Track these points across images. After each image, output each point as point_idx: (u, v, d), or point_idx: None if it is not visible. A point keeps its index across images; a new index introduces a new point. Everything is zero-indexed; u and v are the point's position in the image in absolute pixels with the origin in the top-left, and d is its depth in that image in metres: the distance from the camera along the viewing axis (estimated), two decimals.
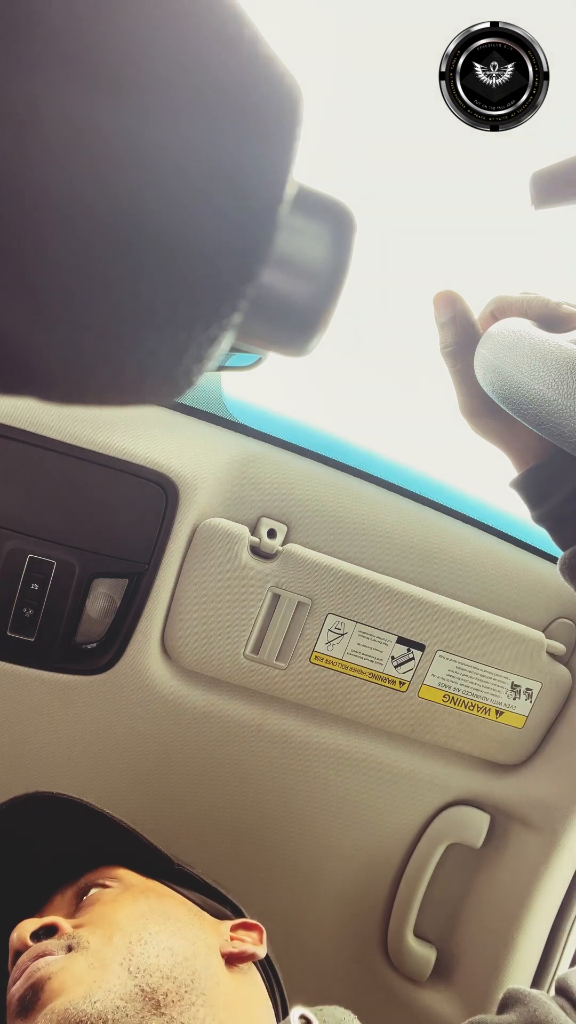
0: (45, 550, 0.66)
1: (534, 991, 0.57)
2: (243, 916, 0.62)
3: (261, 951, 0.56)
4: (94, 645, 0.71)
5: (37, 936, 0.51)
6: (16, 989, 0.47)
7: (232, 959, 0.54)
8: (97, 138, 0.13)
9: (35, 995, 0.46)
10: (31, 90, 0.13)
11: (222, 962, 0.53)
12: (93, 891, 0.57)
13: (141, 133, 0.14)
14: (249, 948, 0.55)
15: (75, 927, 0.52)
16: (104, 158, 0.13)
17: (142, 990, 0.46)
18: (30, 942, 0.51)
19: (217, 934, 0.56)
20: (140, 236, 0.14)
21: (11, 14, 0.12)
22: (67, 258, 0.14)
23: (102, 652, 0.71)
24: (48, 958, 0.48)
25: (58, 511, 0.66)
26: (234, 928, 0.58)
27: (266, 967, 0.58)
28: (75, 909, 0.57)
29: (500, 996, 0.57)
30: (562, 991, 0.58)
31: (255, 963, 0.57)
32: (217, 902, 0.63)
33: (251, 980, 0.55)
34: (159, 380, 0.16)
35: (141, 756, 0.76)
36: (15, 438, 0.64)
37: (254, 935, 0.57)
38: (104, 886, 0.58)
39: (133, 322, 0.15)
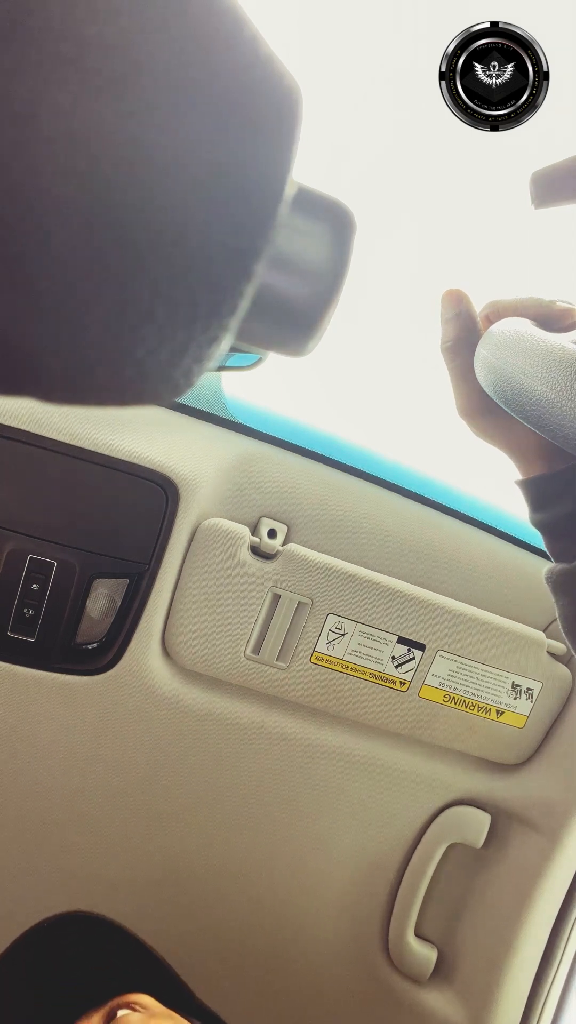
0: (45, 550, 0.66)
1: None
2: None
3: None
4: (95, 645, 0.71)
5: None
6: None
7: None
8: (97, 137, 0.13)
9: None
10: (30, 89, 0.13)
11: None
12: (121, 1013, 0.59)
13: (141, 132, 0.14)
14: None
15: None
16: (104, 157, 0.13)
17: None
18: None
19: None
20: (140, 236, 0.14)
21: (11, 14, 0.12)
22: (67, 258, 0.14)
23: (102, 652, 0.71)
24: None
25: (58, 511, 0.66)
26: None
27: None
28: None
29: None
30: None
31: None
32: None
33: None
34: (159, 380, 0.16)
35: (141, 756, 0.76)
36: (15, 438, 0.64)
37: None
38: (133, 1009, 0.59)
39: (133, 322, 0.15)
